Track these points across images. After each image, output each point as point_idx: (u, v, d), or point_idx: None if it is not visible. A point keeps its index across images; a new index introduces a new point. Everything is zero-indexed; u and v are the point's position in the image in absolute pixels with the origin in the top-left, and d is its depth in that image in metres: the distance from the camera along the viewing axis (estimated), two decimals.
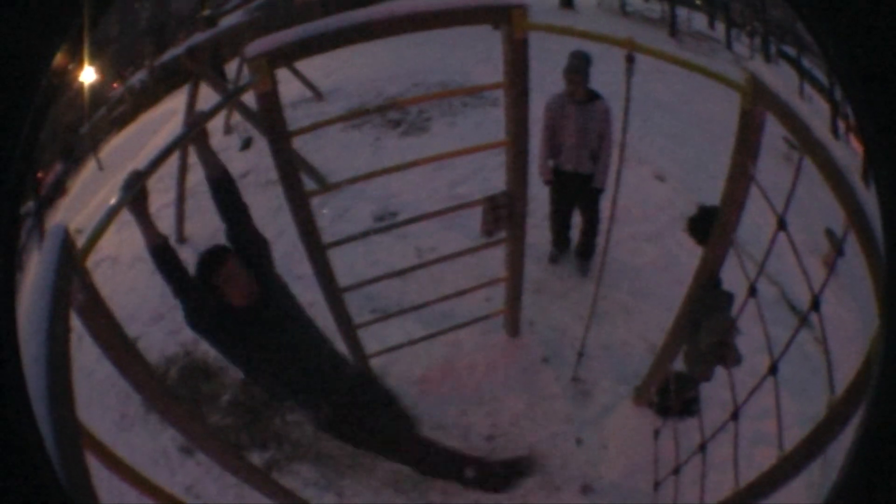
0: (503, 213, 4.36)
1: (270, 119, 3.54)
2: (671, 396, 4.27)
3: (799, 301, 4.53)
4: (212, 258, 3.38)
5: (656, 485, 3.96)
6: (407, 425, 4.38)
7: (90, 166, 6.12)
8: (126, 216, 2.89)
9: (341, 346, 4.35)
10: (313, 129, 3.97)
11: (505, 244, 4.62)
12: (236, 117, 7.06)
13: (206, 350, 5.08)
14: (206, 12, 6.89)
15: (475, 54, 6.99)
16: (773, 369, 2.92)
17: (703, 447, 3.57)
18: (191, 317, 3.31)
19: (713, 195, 3.50)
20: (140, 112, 6.74)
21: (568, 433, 4.59)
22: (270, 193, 5.58)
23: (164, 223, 5.75)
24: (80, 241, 2.46)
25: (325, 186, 4.90)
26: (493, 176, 5.36)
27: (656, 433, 4.24)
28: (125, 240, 4.79)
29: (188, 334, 4.82)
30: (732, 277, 3.54)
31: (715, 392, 3.88)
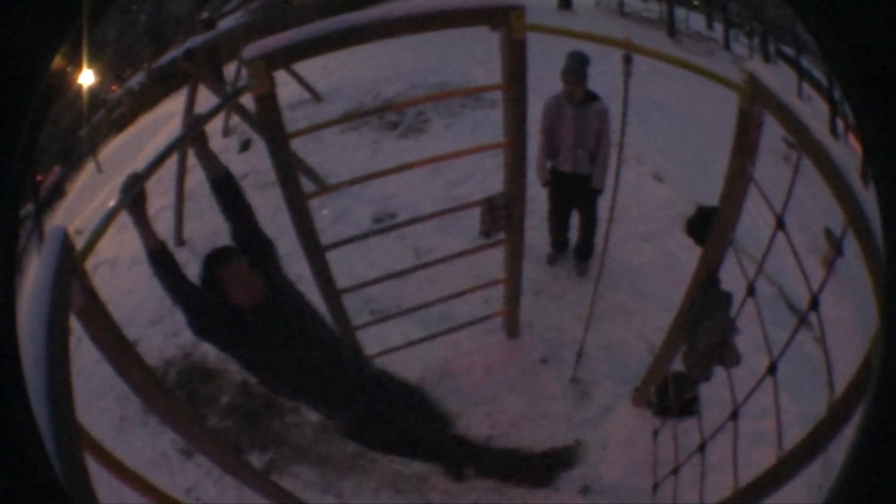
0: (501, 215, 4.36)
1: (269, 121, 3.54)
2: (670, 397, 4.27)
3: (798, 301, 4.53)
4: (217, 258, 3.33)
5: (655, 485, 3.97)
6: (440, 423, 4.30)
7: (89, 169, 6.11)
8: (125, 219, 2.90)
9: None
10: (311, 131, 3.97)
11: (503, 245, 4.62)
12: (235, 119, 7.05)
13: (205, 352, 5.08)
14: (205, 14, 6.89)
15: (473, 56, 6.98)
16: (772, 369, 2.92)
17: (702, 447, 3.57)
18: (194, 323, 3.27)
19: (712, 195, 3.51)
20: (139, 114, 6.73)
21: (567, 434, 4.59)
22: (269, 195, 5.57)
23: (163, 226, 5.75)
24: (80, 242, 2.47)
25: (324, 188, 4.91)
26: (491, 177, 5.35)
27: (655, 433, 4.24)
28: (124, 242, 4.78)
29: (187, 337, 4.81)
30: (731, 277, 3.54)
31: (714, 392, 3.88)
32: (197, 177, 5.65)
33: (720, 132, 3.40)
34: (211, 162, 3.42)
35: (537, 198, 5.45)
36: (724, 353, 3.60)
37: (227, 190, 3.45)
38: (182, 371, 5.17)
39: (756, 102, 3.01)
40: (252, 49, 3.36)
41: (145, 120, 6.81)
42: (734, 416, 3.25)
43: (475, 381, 4.97)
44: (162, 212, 6.04)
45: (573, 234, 5.84)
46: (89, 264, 2.55)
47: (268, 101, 3.46)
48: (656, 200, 6.27)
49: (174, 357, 5.22)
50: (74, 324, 2.35)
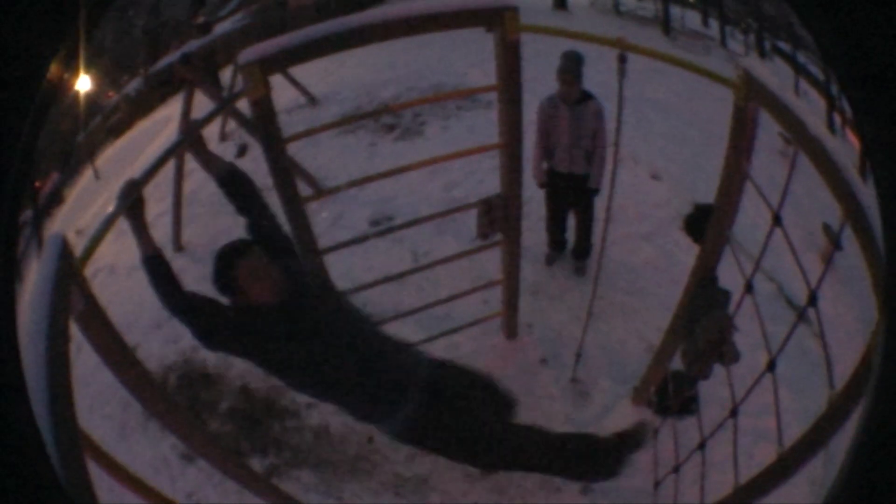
0: (498, 216, 4.36)
1: (265, 126, 3.55)
2: (670, 395, 4.27)
3: (796, 297, 4.53)
4: (230, 253, 3.14)
5: (656, 484, 3.97)
6: (507, 412, 3.94)
7: (87, 175, 6.11)
8: (123, 224, 2.90)
9: None
10: (308, 136, 3.97)
11: (500, 247, 4.63)
12: (232, 124, 7.05)
13: (205, 357, 5.07)
14: (201, 19, 6.88)
15: (469, 57, 6.98)
16: (771, 366, 2.93)
17: (702, 445, 3.57)
18: (203, 334, 3.12)
19: (709, 193, 3.51)
20: (136, 120, 6.73)
21: None
22: (266, 200, 5.59)
23: (161, 231, 5.74)
24: (81, 244, 2.47)
25: (321, 192, 4.91)
26: (487, 178, 5.35)
27: (655, 432, 4.24)
28: (123, 248, 4.78)
29: (187, 342, 4.82)
30: (729, 275, 3.55)
31: (713, 390, 3.88)
32: (194, 182, 5.66)
33: (717, 130, 3.41)
34: (213, 162, 3.40)
35: (534, 199, 5.45)
36: (722, 350, 3.61)
37: (234, 184, 3.37)
38: (182, 376, 5.17)
39: (751, 98, 3.01)
40: (248, 53, 3.36)
41: (142, 126, 6.81)
42: (734, 413, 3.26)
43: None
44: (160, 217, 6.03)
45: (570, 235, 5.85)
46: (88, 270, 2.55)
47: (263, 105, 3.47)
48: (653, 199, 6.27)
49: (174, 362, 5.21)
50: (74, 330, 2.35)
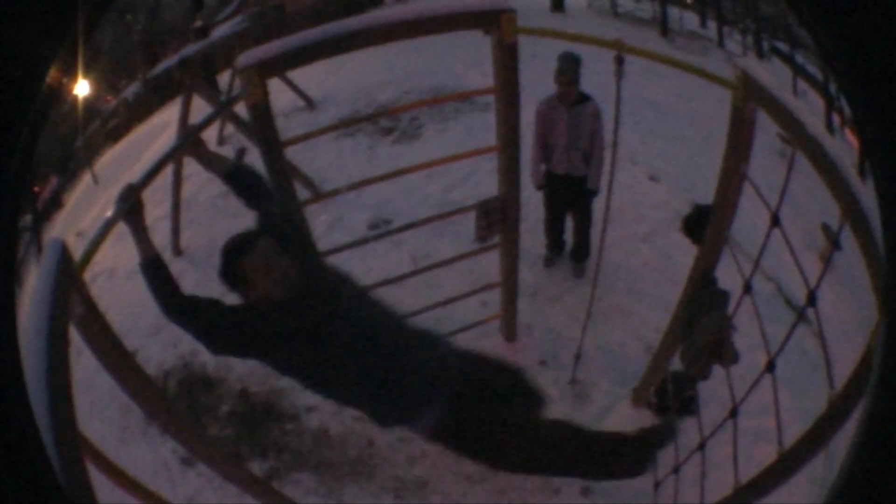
0: (496, 219, 4.37)
1: (263, 129, 3.53)
2: (669, 396, 4.27)
3: (796, 297, 4.53)
4: (237, 245, 2.95)
5: (656, 485, 3.96)
6: (537, 407, 3.70)
7: (86, 180, 6.11)
8: (122, 229, 2.89)
9: None
10: (306, 139, 3.97)
11: (499, 249, 4.63)
12: (230, 128, 7.06)
13: (205, 361, 5.08)
14: (198, 23, 6.89)
15: (466, 59, 7.01)
16: (770, 366, 2.92)
17: (702, 446, 3.57)
18: (206, 336, 2.94)
19: (708, 194, 3.51)
20: (134, 125, 6.74)
21: None
22: None
23: (160, 235, 5.75)
24: (81, 247, 2.47)
25: (319, 195, 4.91)
26: (485, 181, 5.36)
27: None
28: (122, 252, 4.79)
29: (186, 346, 4.82)
30: (728, 275, 3.55)
31: (713, 390, 3.88)
32: (193, 186, 5.66)
33: (715, 131, 3.41)
34: (215, 161, 3.34)
35: (532, 201, 5.47)
36: (722, 351, 3.61)
37: (240, 177, 3.24)
38: (182, 380, 5.17)
39: (749, 99, 3.02)
40: (245, 57, 3.36)
41: (140, 130, 6.82)
42: (734, 413, 3.25)
43: None
44: (159, 221, 6.04)
45: (569, 237, 5.85)
46: (87, 274, 2.55)
47: (261, 109, 3.46)
48: (652, 200, 6.29)
49: (174, 366, 5.22)
50: (74, 334, 2.35)
